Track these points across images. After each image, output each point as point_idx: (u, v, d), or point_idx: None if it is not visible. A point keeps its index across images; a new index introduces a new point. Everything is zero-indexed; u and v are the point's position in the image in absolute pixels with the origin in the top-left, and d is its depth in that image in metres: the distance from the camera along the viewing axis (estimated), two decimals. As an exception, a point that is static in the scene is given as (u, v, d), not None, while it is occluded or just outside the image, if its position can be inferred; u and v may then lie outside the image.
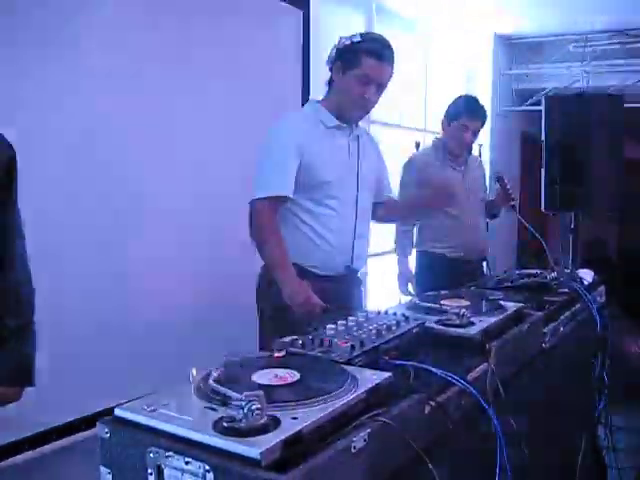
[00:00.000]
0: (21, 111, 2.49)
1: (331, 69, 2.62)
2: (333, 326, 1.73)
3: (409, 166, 3.86)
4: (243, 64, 3.44)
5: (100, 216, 2.79)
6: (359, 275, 2.81)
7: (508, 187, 3.70)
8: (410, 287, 3.83)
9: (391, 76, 2.60)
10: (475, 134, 3.79)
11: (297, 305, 2.38)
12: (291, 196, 2.51)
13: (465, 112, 3.74)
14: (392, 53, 2.57)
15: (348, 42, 2.53)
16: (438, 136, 3.94)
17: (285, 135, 2.55)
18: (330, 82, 2.67)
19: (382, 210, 2.92)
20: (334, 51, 2.58)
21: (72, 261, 2.70)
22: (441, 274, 3.62)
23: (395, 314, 1.87)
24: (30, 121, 2.51)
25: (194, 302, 3.16)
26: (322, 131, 2.61)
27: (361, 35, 2.55)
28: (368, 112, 2.71)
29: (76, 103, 2.68)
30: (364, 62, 2.50)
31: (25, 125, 2.43)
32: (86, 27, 2.72)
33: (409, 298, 2.44)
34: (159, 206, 3.04)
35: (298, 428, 1.10)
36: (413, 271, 3.90)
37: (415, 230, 3.90)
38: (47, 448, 2.60)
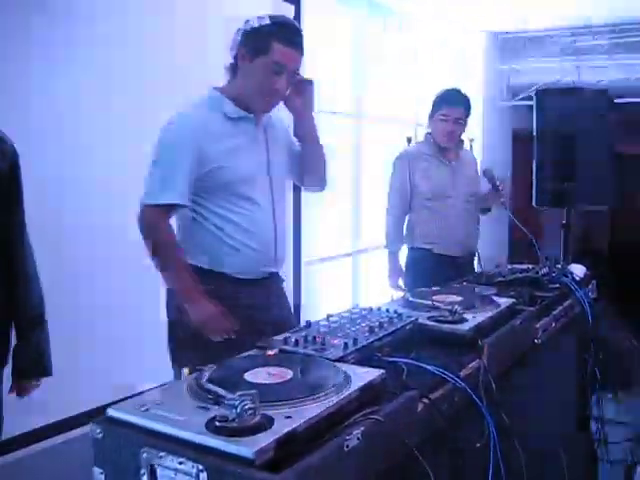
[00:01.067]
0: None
1: (236, 55, 2.34)
2: (326, 323, 1.73)
3: (399, 161, 3.86)
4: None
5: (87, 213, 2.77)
6: (280, 273, 2.59)
7: (497, 183, 3.71)
8: (401, 282, 3.84)
9: (301, 64, 2.37)
10: (458, 123, 3.76)
11: (204, 325, 2.21)
12: (186, 204, 2.25)
13: (443, 102, 3.76)
14: (302, 39, 2.34)
15: (256, 25, 2.27)
16: (429, 131, 3.94)
17: (178, 132, 2.27)
18: (233, 68, 2.38)
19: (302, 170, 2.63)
20: (240, 34, 2.30)
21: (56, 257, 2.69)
22: (431, 270, 3.63)
23: (388, 311, 1.87)
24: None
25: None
26: (224, 124, 2.33)
27: (270, 18, 2.29)
28: (278, 102, 2.42)
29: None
30: (275, 49, 2.25)
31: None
32: (72, 24, 2.71)
33: (400, 294, 2.42)
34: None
35: (292, 427, 1.10)
36: (403, 267, 3.90)
37: (405, 226, 3.90)
38: (39, 447, 2.59)
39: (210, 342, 2.18)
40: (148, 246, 2.24)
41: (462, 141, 3.94)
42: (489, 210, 4.05)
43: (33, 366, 2.06)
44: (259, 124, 2.42)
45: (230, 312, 2.23)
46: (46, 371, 2.09)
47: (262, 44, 2.26)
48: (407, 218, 3.88)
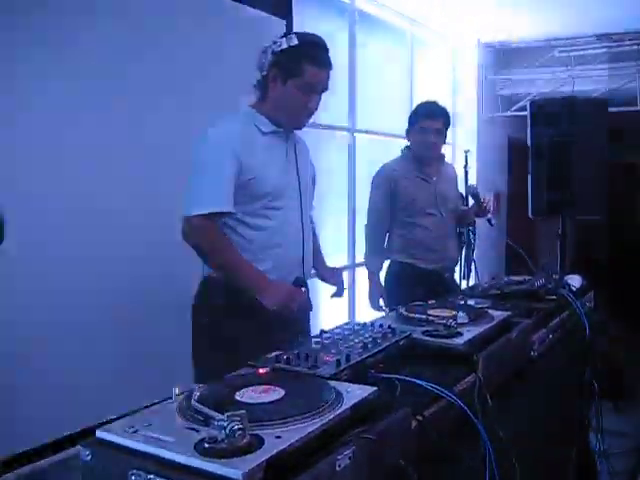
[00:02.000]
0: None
1: (266, 75, 2.40)
2: (318, 339, 1.71)
3: (378, 178, 3.79)
4: (227, 75, 3.43)
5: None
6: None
7: (482, 200, 3.68)
8: (382, 302, 3.76)
9: (330, 78, 2.44)
10: (438, 134, 3.72)
11: (282, 306, 2.26)
12: (232, 211, 2.32)
13: (421, 114, 3.71)
14: (328, 52, 2.41)
15: (285, 46, 2.33)
16: (407, 144, 3.89)
17: (220, 143, 2.33)
18: (263, 85, 2.44)
19: None
20: (269, 55, 2.36)
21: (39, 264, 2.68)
22: (411, 284, 3.55)
23: (381, 326, 1.85)
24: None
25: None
26: (258, 137, 2.40)
27: (298, 37, 2.34)
28: (309, 119, 2.51)
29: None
30: (307, 71, 2.33)
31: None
32: (62, 28, 2.71)
33: (382, 314, 2.40)
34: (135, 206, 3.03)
35: (281, 448, 1.09)
36: (384, 281, 3.84)
37: (386, 240, 3.83)
38: (26, 469, 2.56)
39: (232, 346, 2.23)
40: (205, 252, 2.33)
41: (443, 155, 3.90)
42: (470, 225, 4.00)
43: None
44: (289, 140, 2.50)
45: (251, 322, 2.28)
46: None
47: (293, 67, 2.33)
48: (388, 233, 3.81)
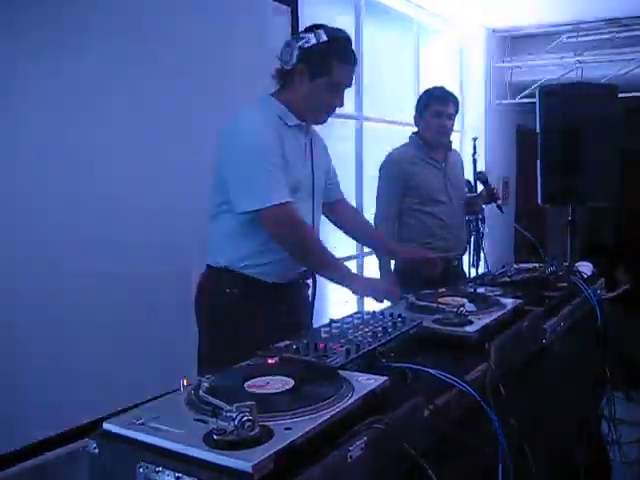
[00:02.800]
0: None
1: (292, 70, 2.35)
2: (327, 329, 1.69)
3: (388, 164, 3.76)
4: (230, 62, 3.40)
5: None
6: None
7: (492, 187, 3.65)
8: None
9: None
10: (450, 119, 3.70)
11: (381, 294, 2.31)
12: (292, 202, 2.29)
13: (435, 98, 3.68)
14: (352, 48, 2.41)
15: (314, 42, 2.28)
16: (415, 130, 3.85)
17: (265, 133, 2.30)
18: (286, 78, 2.40)
19: (333, 214, 2.76)
20: (297, 50, 2.30)
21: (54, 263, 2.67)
22: (420, 273, 3.54)
23: (391, 315, 1.83)
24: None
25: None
26: (283, 130, 2.37)
27: (326, 33, 2.30)
28: (332, 114, 2.51)
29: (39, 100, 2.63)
30: (336, 69, 2.32)
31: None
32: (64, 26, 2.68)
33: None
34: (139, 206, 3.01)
35: (291, 439, 1.07)
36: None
37: (396, 229, 3.80)
38: (32, 462, 2.56)
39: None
40: (286, 240, 2.29)
41: (451, 142, 3.87)
42: (476, 212, 3.98)
43: None
44: (308, 134, 2.49)
45: (261, 316, 2.31)
46: None
47: (323, 64, 2.31)
48: (397, 221, 3.78)
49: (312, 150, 2.50)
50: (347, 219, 2.80)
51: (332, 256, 2.33)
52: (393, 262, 3.69)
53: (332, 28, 2.38)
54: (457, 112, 3.75)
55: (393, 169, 3.70)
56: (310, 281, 2.56)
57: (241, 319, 2.32)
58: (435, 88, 3.80)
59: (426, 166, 3.68)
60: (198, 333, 2.44)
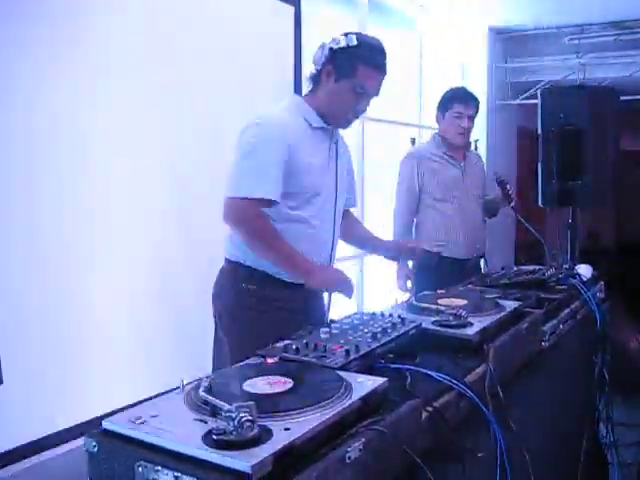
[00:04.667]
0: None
1: (320, 70, 2.39)
2: (327, 329, 1.70)
3: (407, 160, 3.81)
4: (234, 61, 3.40)
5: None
6: None
7: (508, 189, 3.66)
8: (409, 284, 3.78)
9: (382, 83, 2.44)
10: (471, 120, 3.75)
11: (332, 287, 2.33)
12: (278, 200, 2.28)
13: (457, 99, 3.74)
14: (386, 58, 2.41)
15: (344, 44, 2.32)
16: (436, 131, 3.90)
17: (272, 129, 2.31)
18: (316, 79, 2.43)
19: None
20: (326, 51, 2.35)
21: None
22: (439, 273, 3.57)
23: (391, 315, 1.83)
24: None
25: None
26: (307, 131, 2.39)
27: (357, 38, 2.33)
28: (355, 120, 2.51)
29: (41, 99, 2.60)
30: (361, 72, 2.32)
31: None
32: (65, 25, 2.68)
33: (407, 295, 2.40)
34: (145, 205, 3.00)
35: (291, 439, 1.07)
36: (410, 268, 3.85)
37: (413, 228, 3.85)
38: (31, 460, 2.56)
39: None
40: (245, 234, 2.30)
41: (470, 142, 3.92)
42: (495, 215, 4.01)
43: None
44: (333, 137, 2.49)
45: (276, 314, 2.32)
46: None
47: (348, 66, 2.32)
48: (415, 220, 3.83)
49: (337, 154, 2.51)
50: (348, 229, 2.73)
51: (291, 250, 2.29)
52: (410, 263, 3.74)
53: (367, 36, 2.43)
54: (477, 112, 3.80)
55: (412, 164, 3.77)
56: None
57: (257, 316, 2.34)
58: (458, 89, 3.90)
59: (444, 164, 3.74)
60: (214, 327, 2.47)
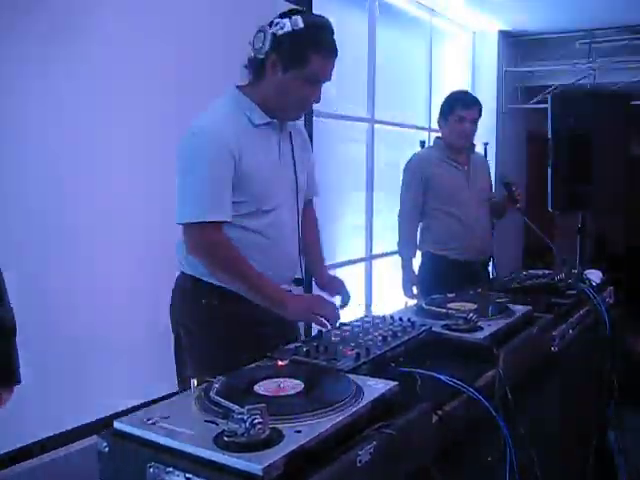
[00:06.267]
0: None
1: (264, 59, 2.08)
2: (338, 332, 1.70)
3: (411, 166, 3.81)
4: (239, 61, 3.39)
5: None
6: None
7: (515, 191, 3.65)
8: (415, 290, 3.77)
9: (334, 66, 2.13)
10: (473, 124, 3.73)
11: (306, 319, 2.11)
12: (230, 220, 2.04)
13: (458, 103, 3.71)
14: (333, 36, 2.09)
15: (289, 29, 2.01)
16: (439, 135, 3.89)
17: (214, 138, 2.04)
18: (258, 69, 2.13)
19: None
20: (269, 36, 2.03)
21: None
22: (445, 276, 3.57)
23: (401, 319, 1.84)
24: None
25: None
26: (251, 131, 2.11)
27: (303, 20, 2.01)
28: (308, 110, 2.26)
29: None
30: (312, 61, 2.03)
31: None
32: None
33: (414, 301, 2.38)
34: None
35: (302, 442, 1.07)
36: (417, 272, 3.84)
37: (419, 231, 3.84)
38: (42, 459, 2.57)
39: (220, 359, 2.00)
40: (210, 263, 2.06)
41: (474, 145, 3.90)
42: (502, 216, 4.00)
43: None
44: (283, 130, 2.22)
45: (240, 329, 2.09)
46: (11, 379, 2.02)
47: (297, 55, 2.04)
48: (420, 224, 3.82)
49: (293, 148, 2.24)
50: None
51: (261, 279, 2.05)
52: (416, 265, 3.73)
53: (312, 15, 2.16)
54: (480, 116, 3.78)
55: (415, 170, 3.75)
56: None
57: (221, 333, 2.11)
58: (460, 92, 3.85)
59: (448, 168, 3.72)
60: (174, 342, 2.27)
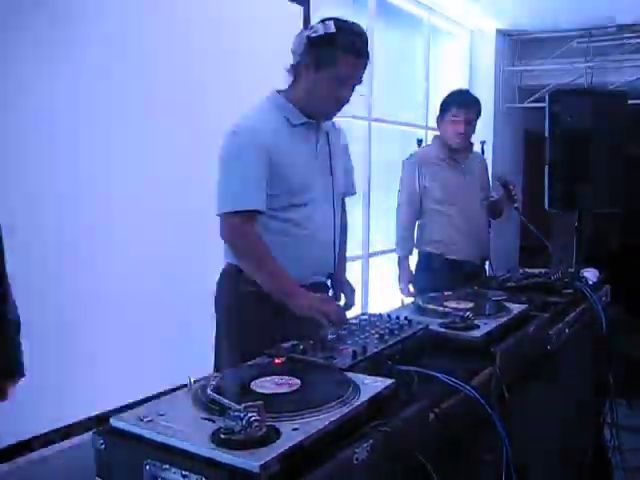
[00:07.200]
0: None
1: (299, 61, 2.26)
2: (334, 330, 1.70)
3: (408, 164, 3.81)
4: (240, 61, 3.40)
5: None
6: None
7: (511, 188, 3.66)
8: (412, 288, 3.78)
9: (367, 66, 2.29)
10: (469, 124, 3.73)
11: (313, 315, 2.06)
12: (264, 210, 2.19)
13: (454, 103, 3.71)
14: (367, 42, 2.26)
15: (321, 32, 2.18)
16: (437, 133, 3.90)
17: (251, 138, 2.20)
18: (295, 72, 2.31)
19: None
20: (303, 40, 2.21)
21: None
22: (441, 275, 3.58)
23: (398, 317, 1.84)
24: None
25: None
26: (288, 130, 2.27)
27: (335, 24, 2.19)
28: (341, 109, 2.38)
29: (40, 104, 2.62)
30: (341, 61, 2.18)
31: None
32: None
33: (411, 299, 2.38)
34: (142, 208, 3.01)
35: (299, 439, 1.07)
36: (414, 271, 3.85)
37: (416, 230, 3.85)
38: (39, 454, 2.57)
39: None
40: (236, 250, 2.24)
41: (472, 144, 3.90)
42: (500, 215, 4.00)
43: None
44: (320, 130, 2.37)
45: (272, 321, 2.15)
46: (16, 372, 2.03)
47: (327, 55, 2.19)
48: (417, 222, 3.82)
49: (330, 148, 2.39)
50: None
51: (280, 270, 2.18)
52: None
53: (345, 21, 2.28)
54: (479, 117, 3.78)
55: (413, 168, 3.76)
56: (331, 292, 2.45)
57: (254, 322, 2.21)
58: (456, 92, 3.86)
59: (445, 167, 3.73)
60: (216, 328, 2.39)
